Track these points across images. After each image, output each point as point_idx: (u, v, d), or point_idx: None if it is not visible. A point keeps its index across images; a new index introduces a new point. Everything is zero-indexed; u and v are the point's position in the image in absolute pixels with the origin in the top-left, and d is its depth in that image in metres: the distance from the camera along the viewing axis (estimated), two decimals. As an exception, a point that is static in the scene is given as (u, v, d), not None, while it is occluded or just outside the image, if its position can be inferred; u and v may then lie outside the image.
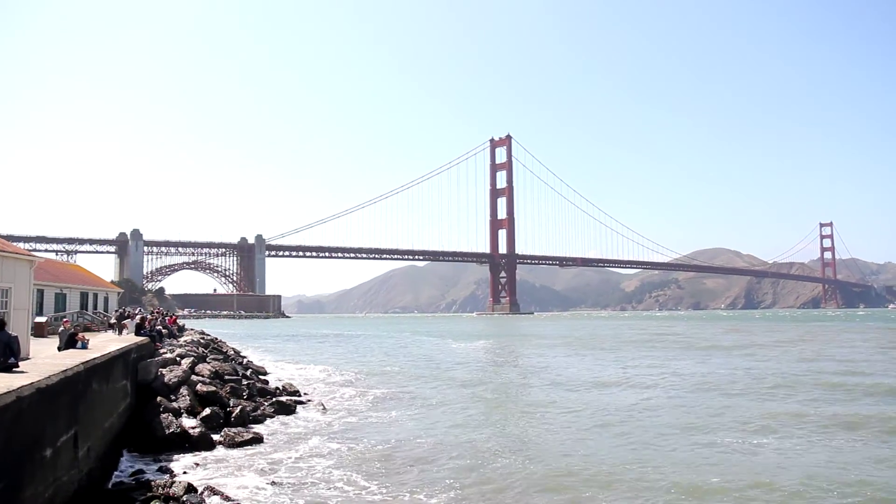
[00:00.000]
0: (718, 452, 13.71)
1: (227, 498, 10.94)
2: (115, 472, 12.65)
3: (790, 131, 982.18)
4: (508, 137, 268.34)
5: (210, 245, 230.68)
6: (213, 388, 19.67)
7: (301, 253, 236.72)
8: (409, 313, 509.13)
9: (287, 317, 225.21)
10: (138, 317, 28.09)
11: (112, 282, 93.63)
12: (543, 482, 11.65)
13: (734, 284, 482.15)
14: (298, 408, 20.38)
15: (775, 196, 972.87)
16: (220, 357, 29.12)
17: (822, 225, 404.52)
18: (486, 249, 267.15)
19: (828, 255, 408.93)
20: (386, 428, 17.00)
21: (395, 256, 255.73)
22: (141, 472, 12.70)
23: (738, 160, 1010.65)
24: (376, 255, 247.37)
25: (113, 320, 29.44)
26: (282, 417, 18.71)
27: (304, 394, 23.27)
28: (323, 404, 20.45)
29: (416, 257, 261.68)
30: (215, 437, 15.57)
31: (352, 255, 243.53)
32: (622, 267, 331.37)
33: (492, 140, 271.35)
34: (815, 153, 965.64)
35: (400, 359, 39.77)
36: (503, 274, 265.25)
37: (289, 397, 22.08)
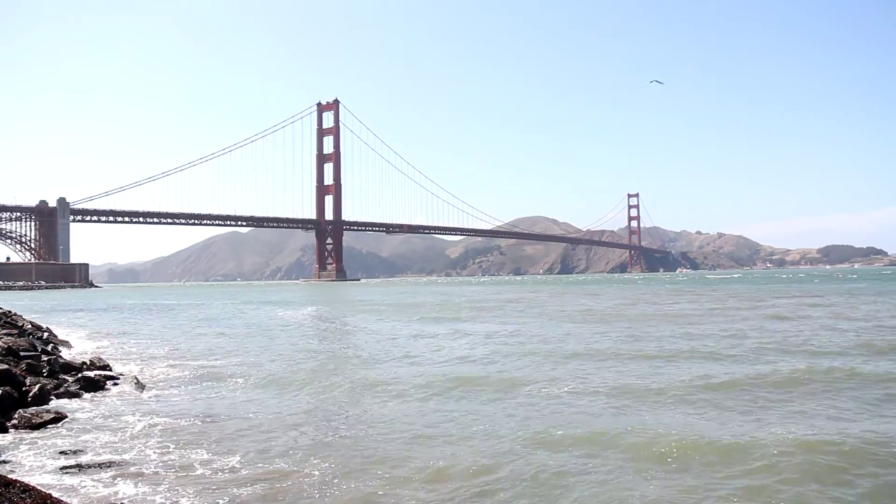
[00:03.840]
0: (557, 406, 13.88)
1: (19, 486, 9.46)
2: None
3: (607, 109, 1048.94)
4: (336, 102, 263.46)
5: (2, 209, 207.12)
6: (6, 367, 17.33)
7: (112, 218, 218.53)
8: (231, 281, 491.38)
9: (96, 287, 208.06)
10: None
11: None
12: (372, 446, 11.22)
13: (552, 251, 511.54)
14: (109, 384, 18.42)
15: (590, 167, 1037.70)
16: (15, 332, 25.96)
17: (629, 196, 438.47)
18: (313, 215, 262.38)
19: (634, 223, 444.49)
20: (207, 402, 15.71)
21: (217, 222, 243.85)
22: None
23: (558, 132, 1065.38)
24: (196, 221, 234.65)
25: None
26: (90, 395, 16.80)
27: (116, 370, 21.23)
28: (137, 379, 18.62)
29: (240, 223, 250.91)
30: (9, 421, 13.65)
31: (169, 220, 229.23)
32: (447, 234, 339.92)
33: (319, 104, 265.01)
34: (627, 129, 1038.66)
35: (223, 329, 37.71)
36: (329, 240, 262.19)
37: (98, 372, 19.96)
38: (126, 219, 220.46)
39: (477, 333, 30.87)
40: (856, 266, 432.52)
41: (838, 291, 65.68)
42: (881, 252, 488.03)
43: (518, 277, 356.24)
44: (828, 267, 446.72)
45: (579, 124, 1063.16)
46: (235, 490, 9.35)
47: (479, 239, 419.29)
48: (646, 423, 12.21)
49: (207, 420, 13.70)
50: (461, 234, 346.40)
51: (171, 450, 11.33)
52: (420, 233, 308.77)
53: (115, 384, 18.60)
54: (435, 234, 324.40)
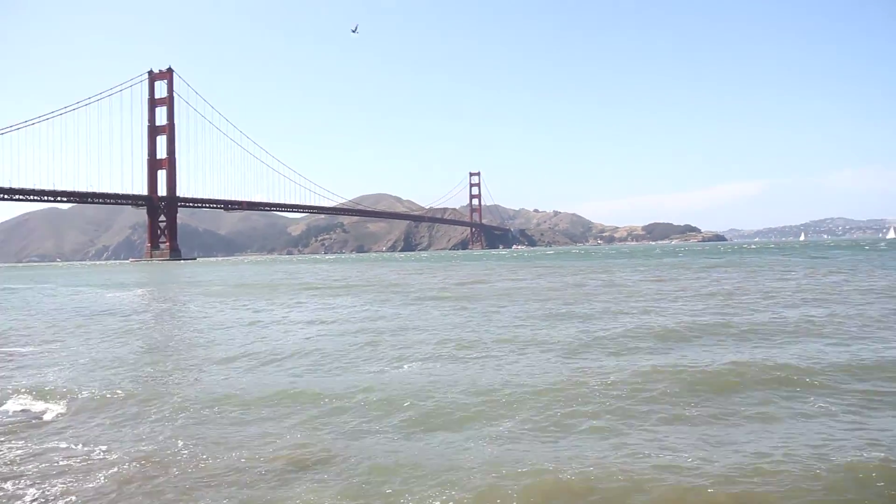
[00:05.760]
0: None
1: None
2: None
3: (451, 89, 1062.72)
4: (170, 71, 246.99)
5: None
6: None
7: None
8: (50, 262, 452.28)
9: None
10: None
11: None
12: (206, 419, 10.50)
13: (395, 228, 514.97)
14: None
15: (434, 146, 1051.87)
16: None
17: (471, 174, 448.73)
18: (144, 191, 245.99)
19: (475, 201, 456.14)
20: (28, 387, 14.26)
21: (33, 198, 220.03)
22: None
23: (403, 111, 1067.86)
24: (7, 196, 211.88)
25: None
26: None
27: None
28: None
29: (59, 199, 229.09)
30: None
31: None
32: (289, 211, 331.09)
33: (150, 73, 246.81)
34: (470, 108, 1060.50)
35: (40, 315, 34.44)
36: (163, 218, 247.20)
37: None
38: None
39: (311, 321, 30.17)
40: (673, 242, 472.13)
41: (646, 265, 71.00)
42: (696, 229, 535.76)
43: (361, 255, 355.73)
44: (651, 242, 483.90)
45: (423, 103, 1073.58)
46: None
47: (322, 216, 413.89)
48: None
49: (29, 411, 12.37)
50: (303, 212, 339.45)
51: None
52: (260, 210, 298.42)
53: None
54: (276, 211, 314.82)
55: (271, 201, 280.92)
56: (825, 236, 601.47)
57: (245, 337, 22.10)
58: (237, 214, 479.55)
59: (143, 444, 10.22)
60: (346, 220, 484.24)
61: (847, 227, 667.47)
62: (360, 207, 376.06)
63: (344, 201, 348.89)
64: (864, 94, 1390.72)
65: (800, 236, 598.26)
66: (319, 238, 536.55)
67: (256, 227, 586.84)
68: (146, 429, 11.11)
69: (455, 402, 11.81)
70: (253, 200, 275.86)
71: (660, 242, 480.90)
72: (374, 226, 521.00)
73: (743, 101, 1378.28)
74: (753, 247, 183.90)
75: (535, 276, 56.72)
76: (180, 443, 10.14)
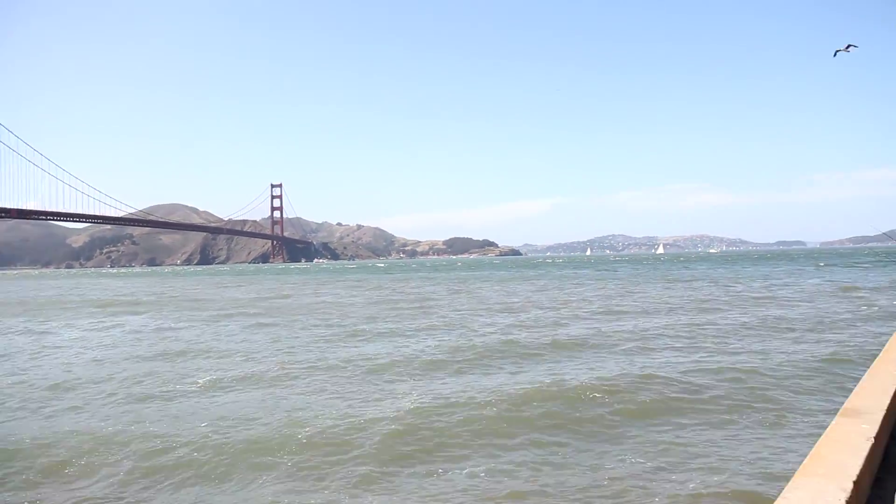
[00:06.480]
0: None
1: None
2: None
3: (249, 100, 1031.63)
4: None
5: None
6: None
7: None
8: None
9: None
10: None
11: None
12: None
13: (191, 240, 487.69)
14: None
15: (233, 156, 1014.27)
16: None
17: (273, 186, 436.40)
18: None
19: (277, 214, 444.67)
20: None
21: None
22: None
23: (202, 120, 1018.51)
24: None
25: None
26: None
27: None
28: None
29: None
30: None
31: None
32: (69, 220, 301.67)
33: None
34: (271, 120, 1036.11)
35: None
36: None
37: None
38: None
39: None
40: (473, 256, 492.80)
41: (473, 277, 73.47)
42: (494, 244, 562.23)
43: (154, 269, 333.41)
44: (452, 256, 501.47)
45: (222, 112, 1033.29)
46: None
47: (108, 227, 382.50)
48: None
49: None
50: (86, 221, 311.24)
51: None
52: (33, 219, 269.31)
53: None
54: (53, 220, 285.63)
55: (47, 209, 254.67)
56: (608, 251, 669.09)
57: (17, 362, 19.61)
58: (5, 223, 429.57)
59: None
60: (136, 231, 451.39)
61: (626, 243, 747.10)
62: (151, 218, 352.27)
63: (133, 211, 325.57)
64: (641, 126, 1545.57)
65: (586, 251, 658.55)
66: (105, 251, 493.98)
67: (29, 238, 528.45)
68: None
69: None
70: (24, 208, 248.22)
71: (460, 256, 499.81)
72: (168, 238, 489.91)
73: (534, 125, 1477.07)
74: (549, 261, 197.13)
75: (342, 289, 56.29)
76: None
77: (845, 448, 4.11)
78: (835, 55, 23.27)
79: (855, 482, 3.56)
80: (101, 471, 9.45)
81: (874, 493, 4.18)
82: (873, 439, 4.33)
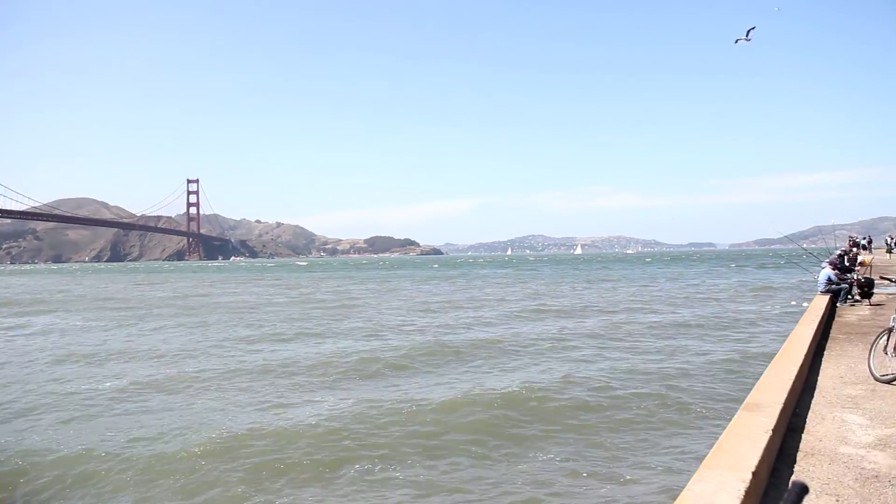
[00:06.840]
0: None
1: None
2: None
3: (171, 87, 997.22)
4: None
5: None
6: None
7: None
8: None
9: None
10: None
11: None
12: None
13: (100, 236, 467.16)
14: None
15: (147, 150, 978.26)
16: None
17: (189, 181, 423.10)
18: None
19: (193, 210, 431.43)
20: None
21: None
22: None
23: (111, 108, 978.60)
24: None
25: None
26: None
27: None
28: None
29: None
30: None
31: None
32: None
33: None
34: (189, 113, 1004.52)
35: None
36: None
37: None
38: None
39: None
40: (394, 255, 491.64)
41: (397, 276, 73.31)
42: (415, 243, 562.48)
43: (60, 265, 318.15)
44: (374, 255, 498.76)
45: (137, 102, 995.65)
46: None
47: (8, 221, 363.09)
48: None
49: None
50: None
51: None
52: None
53: None
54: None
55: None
56: (528, 251, 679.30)
57: None
58: None
59: None
60: (40, 226, 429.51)
61: (546, 243, 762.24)
62: (57, 212, 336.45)
63: (37, 205, 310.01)
64: (563, 127, 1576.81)
65: (507, 251, 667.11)
66: (5, 246, 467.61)
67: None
68: None
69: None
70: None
71: (382, 255, 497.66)
72: (75, 233, 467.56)
73: (456, 125, 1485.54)
74: (471, 261, 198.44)
75: (262, 287, 55.35)
76: None
77: (745, 441, 4.41)
78: (736, 43, 24.52)
79: (754, 473, 3.84)
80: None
81: (771, 483, 4.50)
82: (771, 432, 4.65)
